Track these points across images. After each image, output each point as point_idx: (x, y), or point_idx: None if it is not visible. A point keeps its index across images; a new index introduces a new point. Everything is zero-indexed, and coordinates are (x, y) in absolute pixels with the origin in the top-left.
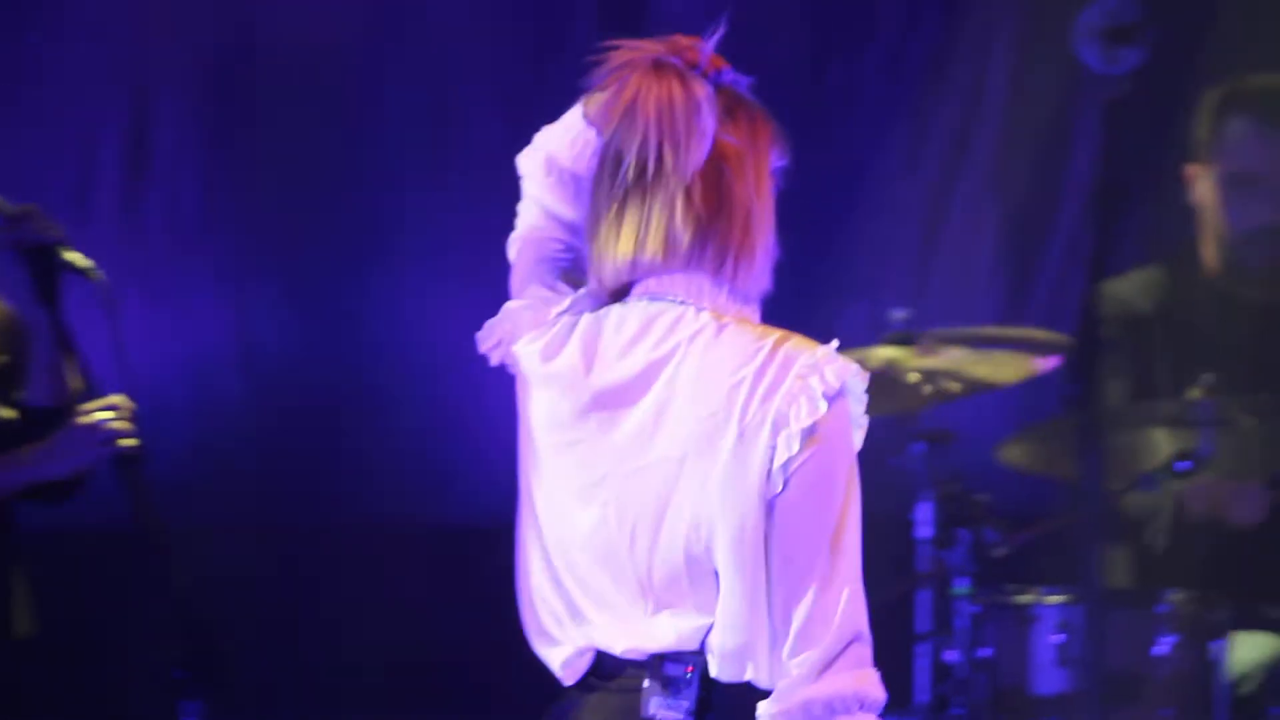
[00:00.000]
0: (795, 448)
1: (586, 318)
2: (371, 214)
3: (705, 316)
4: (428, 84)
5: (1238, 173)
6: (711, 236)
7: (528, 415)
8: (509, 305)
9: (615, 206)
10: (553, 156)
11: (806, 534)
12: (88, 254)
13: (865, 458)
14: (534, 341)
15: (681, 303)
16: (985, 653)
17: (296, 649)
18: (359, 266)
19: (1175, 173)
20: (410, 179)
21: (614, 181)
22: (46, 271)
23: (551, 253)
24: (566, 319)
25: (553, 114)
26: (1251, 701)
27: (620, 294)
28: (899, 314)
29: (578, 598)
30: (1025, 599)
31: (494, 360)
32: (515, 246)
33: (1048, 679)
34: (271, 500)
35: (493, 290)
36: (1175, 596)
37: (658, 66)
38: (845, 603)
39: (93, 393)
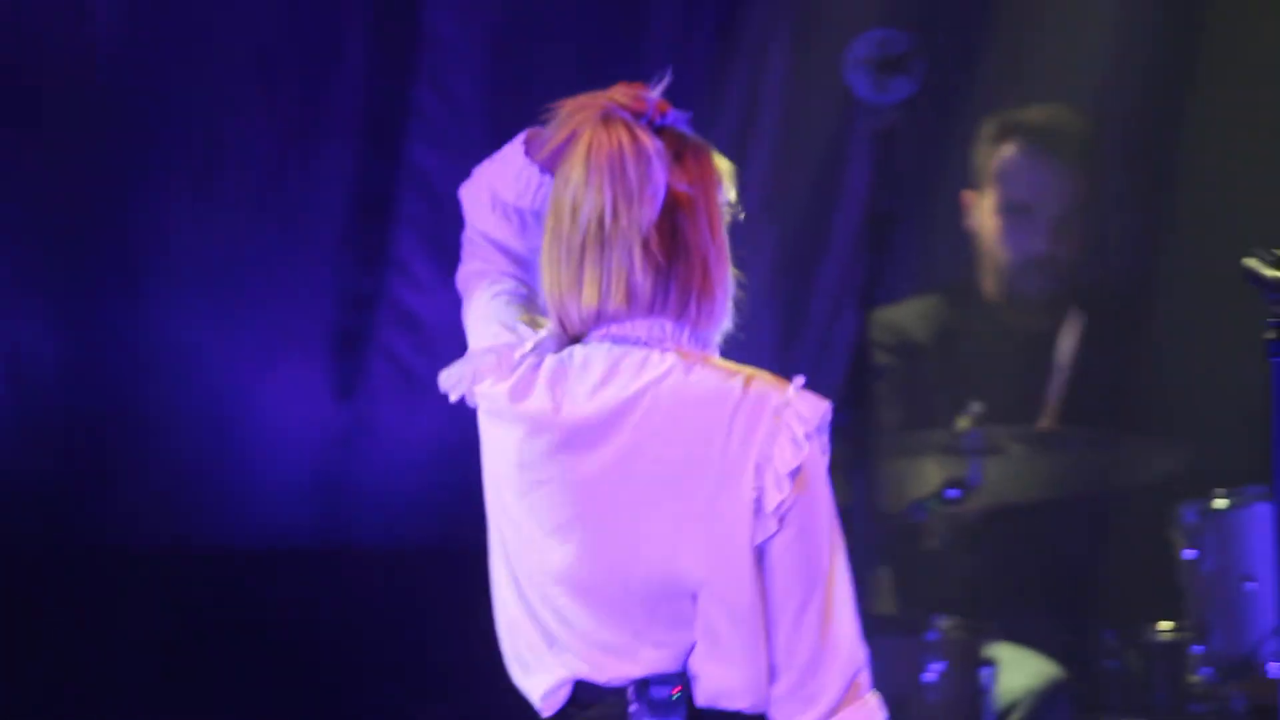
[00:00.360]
0: (786, 490)
1: (550, 359)
2: (146, 232)
3: (671, 357)
4: (200, 105)
5: (1013, 202)
6: (672, 282)
7: (495, 454)
8: (473, 350)
9: (575, 257)
10: (496, 192)
11: (804, 573)
12: None
13: None
14: (500, 383)
15: (645, 344)
16: None
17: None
18: (132, 284)
19: (951, 200)
20: (184, 200)
21: (571, 231)
22: None
23: (507, 288)
24: (530, 360)
25: (326, 136)
26: None
27: (580, 335)
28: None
29: (554, 628)
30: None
31: (454, 398)
32: (466, 282)
33: None
34: (32, 518)
35: (263, 309)
36: (943, 623)
37: (607, 119)
38: (848, 636)
39: None
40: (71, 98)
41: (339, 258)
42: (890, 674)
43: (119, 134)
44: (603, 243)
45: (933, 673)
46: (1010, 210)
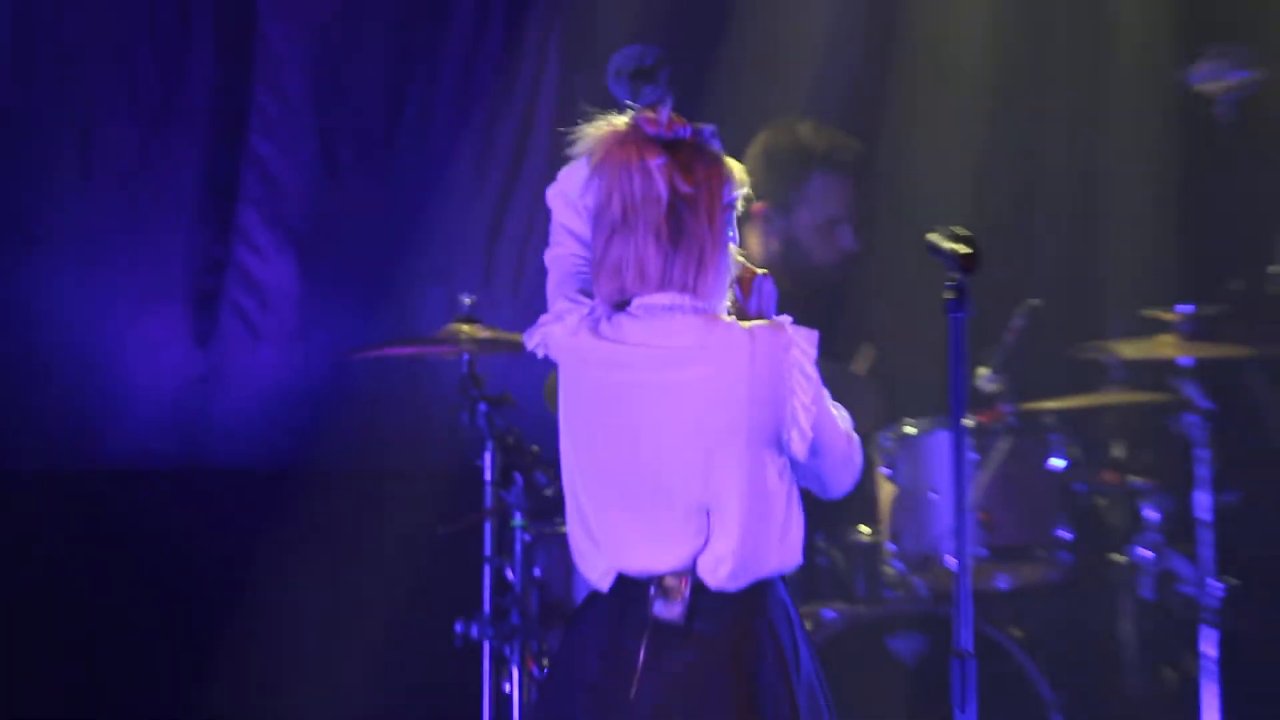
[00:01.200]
0: (809, 405)
1: (605, 319)
2: (33, 208)
3: (692, 317)
4: (72, 94)
5: (829, 218)
6: (677, 262)
7: (569, 391)
8: (545, 316)
9: (605, 243)
10: (567, 192)
11: (821, 458)
12: None
13: (442, 417)
14: (572, 337)
15: (669, 310)
16: (536, 572)
17: None
18: (25, 250)
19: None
20: (65, 181)
21: (599, 226)
22: None
23: (574, 268)
24: (589, 319)
25: (180, 127)
26: None
27: (622, 304)
28: (467, 299)
29: (604, 534)
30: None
31: (539, 354)
32: (551, 262)
33: (585, 592)
34: None
35: (131, 273)
36: None
37: (622, 140)
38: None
39: None
40: None
41: (194, 230)
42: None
43: (10, 123)
44: (624, 234)
45: None
46: (827, 224)
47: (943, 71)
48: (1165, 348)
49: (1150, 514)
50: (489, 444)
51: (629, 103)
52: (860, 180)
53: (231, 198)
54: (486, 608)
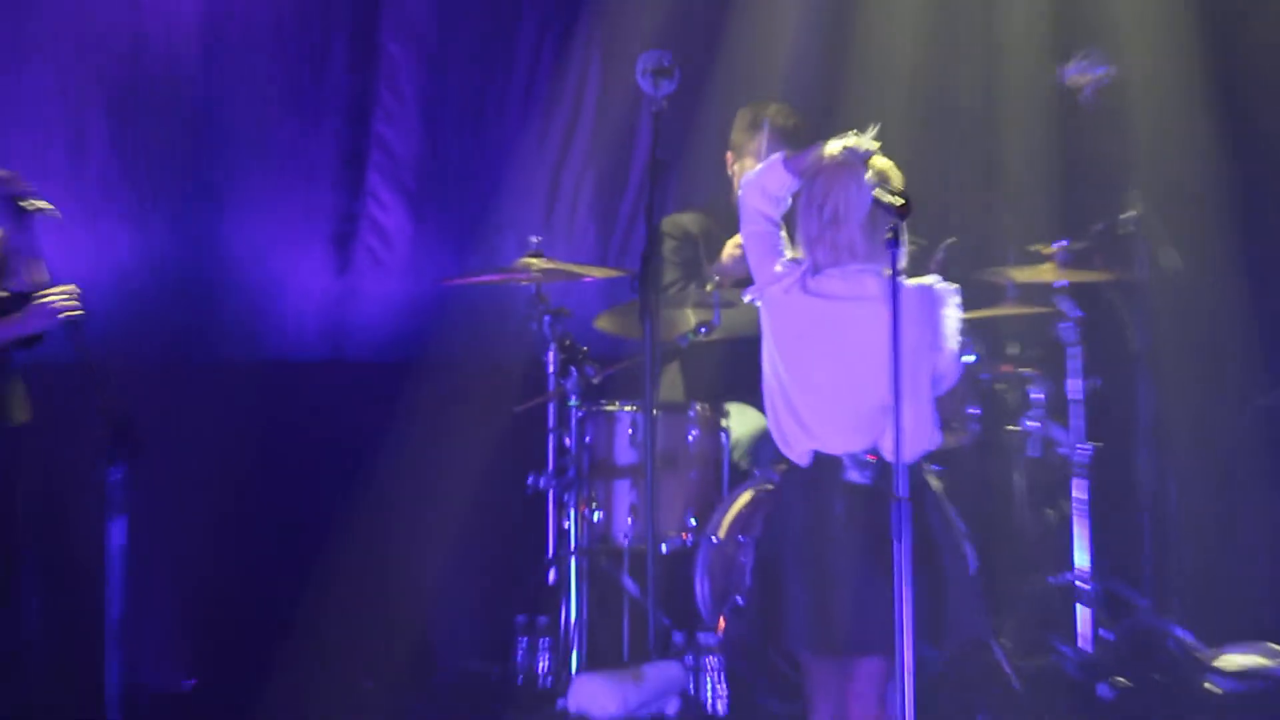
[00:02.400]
0: (953, 339)
1: (810, 277)
2: (224, 178)
3: (873, 277)
4: (248, 94)
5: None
6: (869, 245)
7: (782, 330)
8: (764, 278)
9: (821, 228)
10: (765, 187)
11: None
12: None
13: (517, 326)
14: (785, 294)
15: (862, 271)
16: (587, 439)
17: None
18: (218, 210)
19: (699, 153)
20: (244, 160)
21: (816, 218)
22: (21, 211)
23: (772, 243)
24: (799, 279)
25: (324, 118)
26: (741, 464)
27: (819, 266)
28: (534, 239)
29: (811, 424)
30: (611, 408)
31: (756, 303)
32: (749, 238)
33: (624, 454)
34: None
35: (291, 225)
36: (699, 406)
37: (840, 161)
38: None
39: (51, 283)
40: (168, 93)
41: (335, 192)
42: (666, 436)
43: (201, 112)
44: (839, 225)
45: (692, 435)
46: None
47: (882, 72)
48: (1046, 273)
49: (1036, 395)
50: (551, 346)
51: (649, 93)
52: (801, 141)
53: (362, 167)
54: (550, 465)
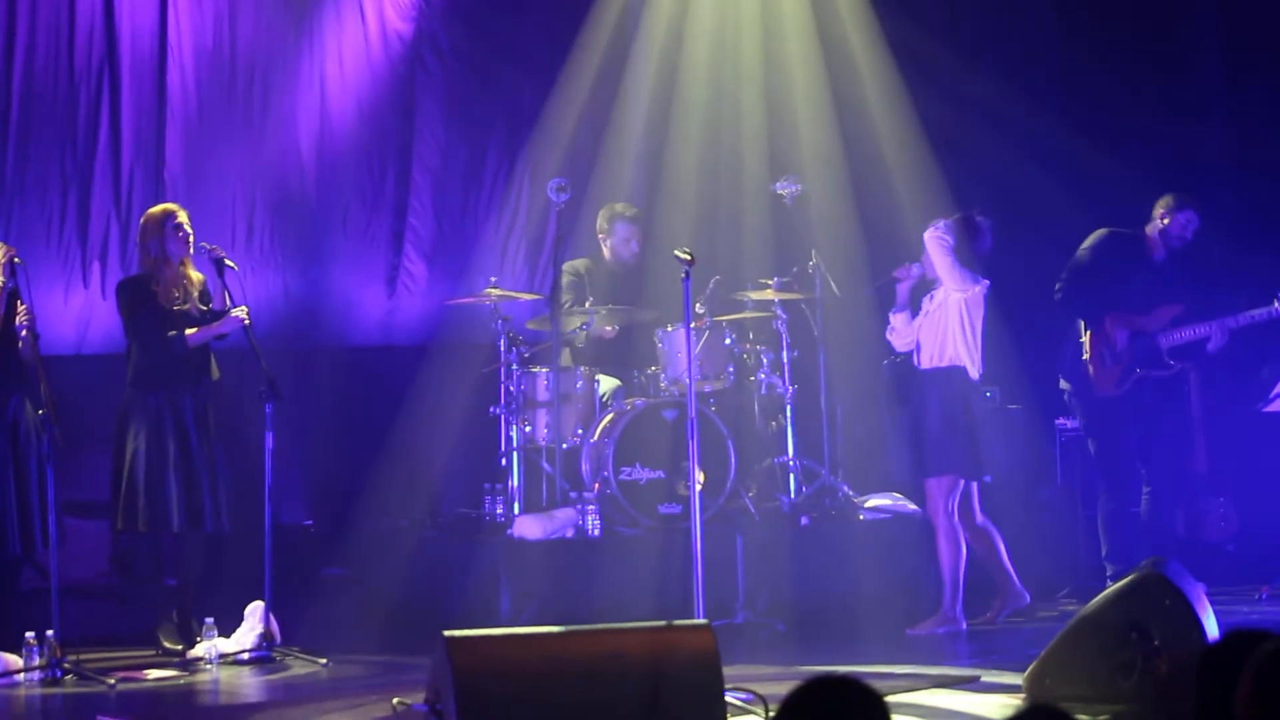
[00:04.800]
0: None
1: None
2: (333, 240)
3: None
4: (340, 194)
5: (625, 237)
6: None
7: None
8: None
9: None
10: (951, 240)
11: None
12: None
13: (484, 326)
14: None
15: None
16: (522, 387)
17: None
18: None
19: (582, 231)
20: (334, 232)
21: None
22: (219, 266)
23: None
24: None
25: (380, 214)
26: (604, 400)
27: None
28: (493, 279)
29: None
30: (535, 369)
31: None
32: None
33: (542, 395)
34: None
35: (359, 261)
36: (582, 368)
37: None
38: None
39: (234, 303)
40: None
41: (387, 249)
42: (564, 386)
43: (311, 202)
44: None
45: (579, 385)
46: (623, 240)
47: (679, 181)
48: (769, 294)
49: (764, 358)
50: (502, 336)
51: (554, 200)
52: (641, 225)
53: (401, 240)
54: (502, 401)
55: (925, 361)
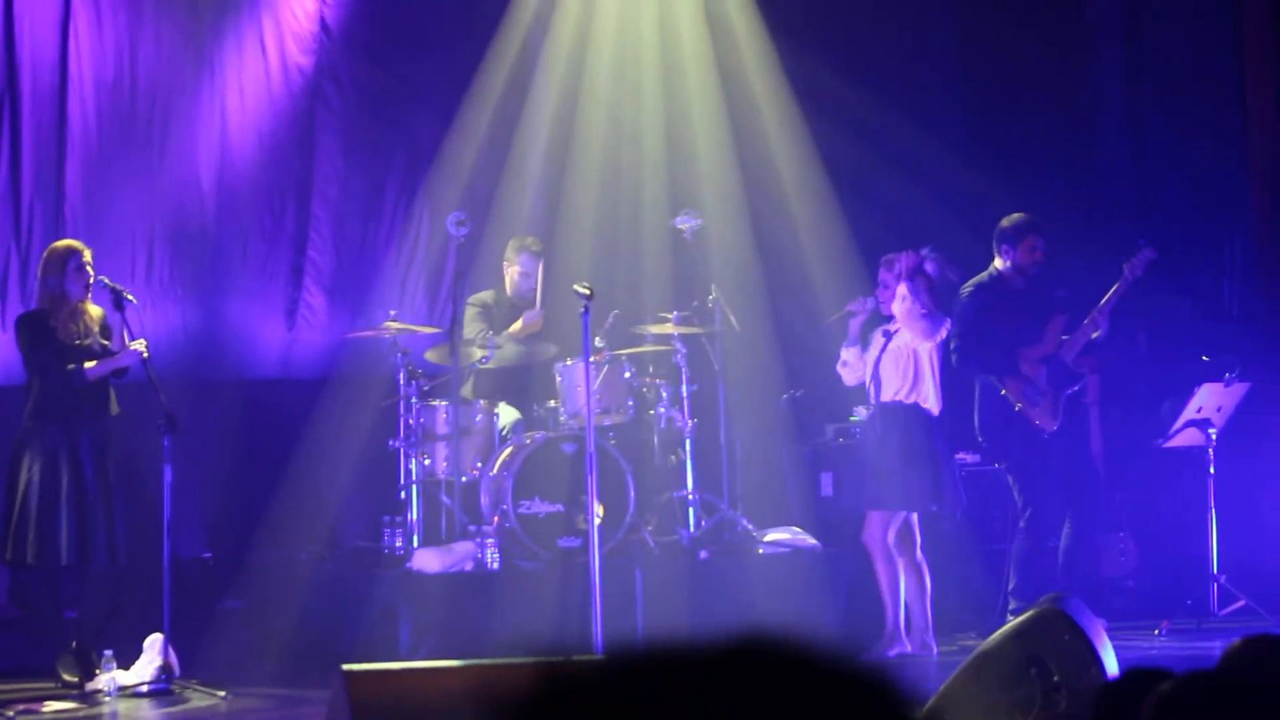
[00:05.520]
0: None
1: None
2: (224, 265)
3: None
4: (238, 229)
5: (526, 272)
6: None
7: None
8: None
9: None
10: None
11: None
12: None
13: (383, 359)
14: None
15: None
16: (421, 420)
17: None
18: (218, 293)
19: (486, 265)
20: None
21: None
22: (118, 300)
23: None
24: None
25: (279, 247)
26: (504, 433)
27: None
28: (392, 312)
29: None
30: (434, 402)
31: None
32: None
33: (441, 429)
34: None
35: (257, 296)
36: (482, 401)
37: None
38: None
39: (133, 337)
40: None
41: (287, 283)
42: (464, 419)
43: (215, 239)
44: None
45: (478, 419)
46: (525, 274)
47: (580, 216)
48: (669, 328)
49: (664, 393)
50: (401, 369)
51: (454, 233)
52: (543, 257)
53: (301, 274)
54: (400, 434)
55: (888, 395)
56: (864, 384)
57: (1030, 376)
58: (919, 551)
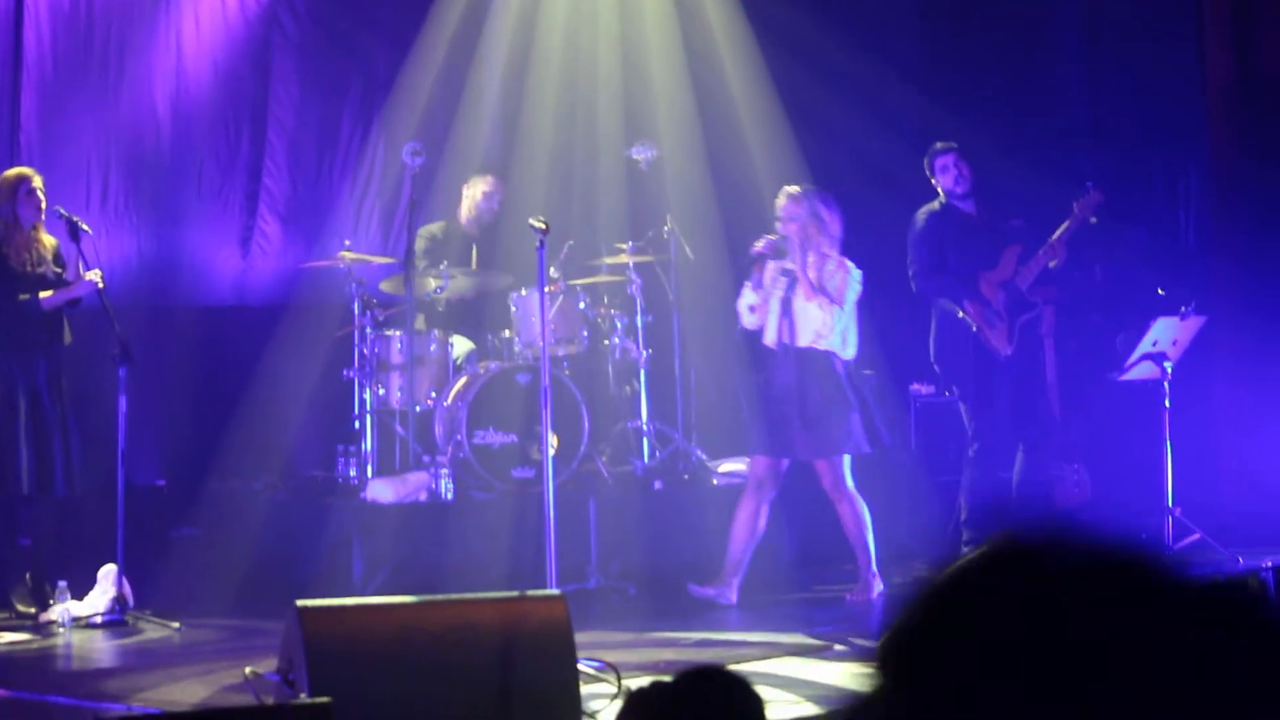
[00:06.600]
0: None
1: None
2: (186, 199)
3: None
4: (195, 152)
5: (487, 194)
6: None
7: None
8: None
9: None
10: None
11: None
12: None
13: (338, 288)
14: None
15: None
16: (375, 349)
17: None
18: (181, 217)
19: (444, 193)
20: (192, 193)
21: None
22: (73, 229)
23: None
24: None
25: (235, 173)
26: (458, 363)
27: None
28: (347, 241)
29: None
30: (389, 332)
31: None
32: None
33: (395, 358)
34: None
35: (212, 219)
36: (436, 331)
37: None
38: None
39: (88, 267)
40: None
41: (243, 210)
42: (418, 348)
43: (169, 169)
44: None
45: (432, 348)
46: (484, 196)
47: (539, 148)
48: (623, 258)
49: (619, 323)
50: (355, 299)
51: (409, 163)
52: (503, 180)
53: (255, 200)
54: (355, 363)
55: (805, 340)
56: (761, 327)
57: (988, 299)
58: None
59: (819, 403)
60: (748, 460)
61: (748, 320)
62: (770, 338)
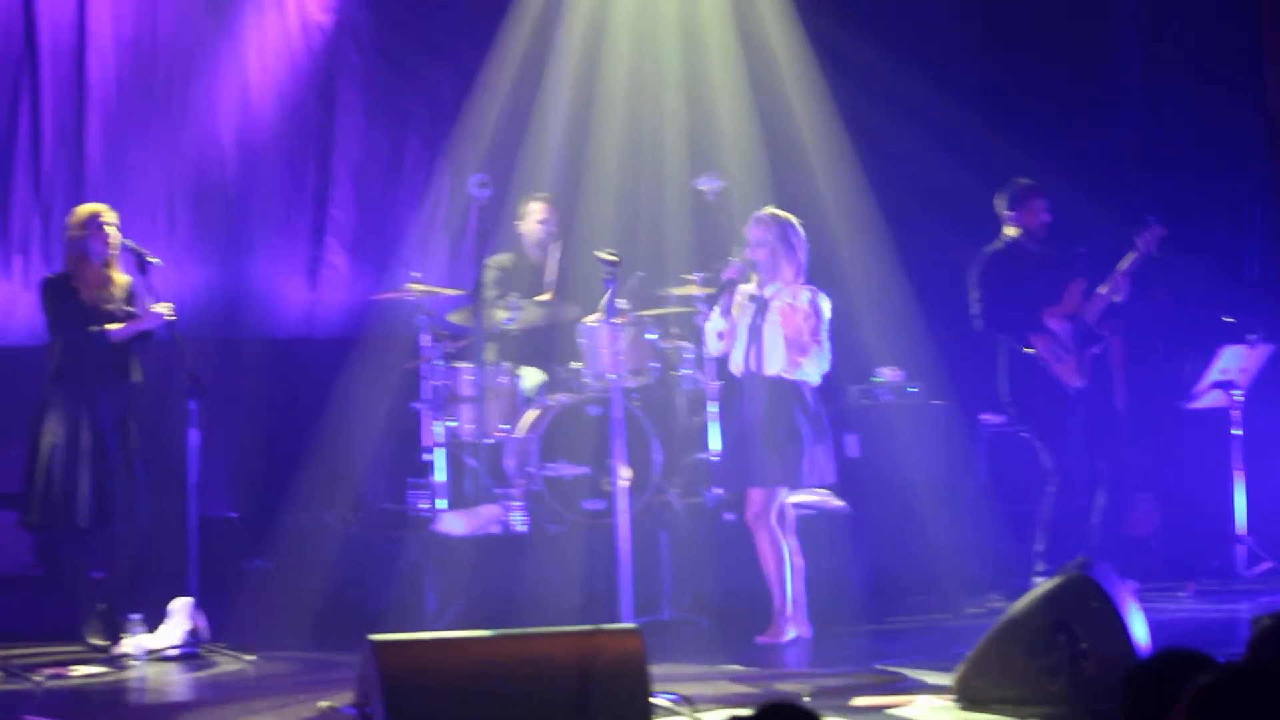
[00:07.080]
0: None
1: None
2: (251, 230)
3: None
4: (261, 190)
5: (546, 222)
6: None
7: None
8: None
9: None
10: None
11: None
12: None
13: (408, 319)
14: None
15: None
16: (445, 381)
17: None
18: (244, 252)
19: (506, 226)
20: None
21: None
22: (142, 261)
23: None
24: None
25: (302, 209)
26: (529, 396)
27: None
28: (415, 273)
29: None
30: (458, 364)
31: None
32: None
33: (465, 390)
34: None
35: (283, 253)
36: (506, 364)
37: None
38: None
39: (156, 300)
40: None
41: (310, 242)
42: (489, 381)
43: (243, 204)
44: None
45: (502, 381)
46: (544, 222)
47: (604, 180)
48: (692, 289)
49: (687, 354)
50: (424, 331)
51: (476, 195)
52: (557, 209)
53: (323, 233)
54: (422, 395)
55: (773, 369)
56: (728, 353)
57: (1055, 333)
58: (791, 529)
59: (784, 431)
60: (812, 492)
61: (714, 347)
62: (737, 365)
